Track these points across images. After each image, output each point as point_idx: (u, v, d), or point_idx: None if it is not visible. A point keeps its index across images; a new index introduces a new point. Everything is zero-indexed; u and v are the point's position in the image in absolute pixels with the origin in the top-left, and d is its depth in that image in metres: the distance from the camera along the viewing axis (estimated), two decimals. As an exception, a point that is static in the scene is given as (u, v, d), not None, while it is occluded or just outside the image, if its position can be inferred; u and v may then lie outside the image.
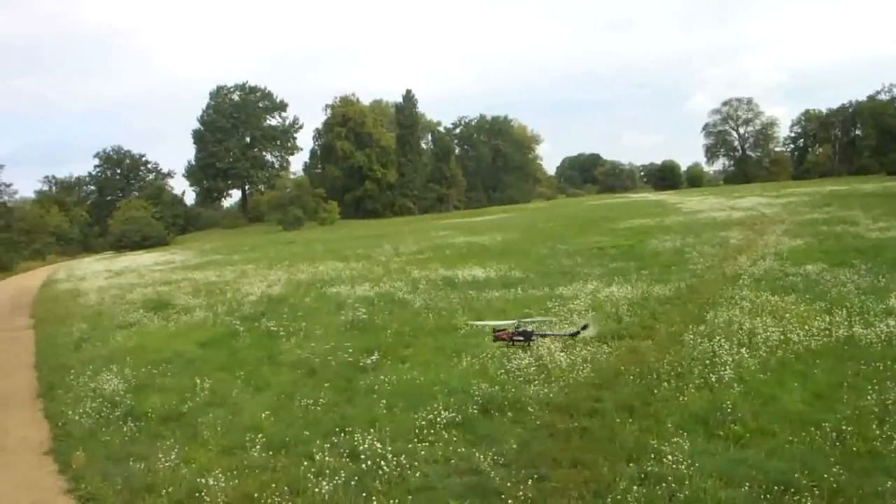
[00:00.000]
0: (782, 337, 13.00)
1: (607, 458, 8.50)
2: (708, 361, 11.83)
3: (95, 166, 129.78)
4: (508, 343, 10.17)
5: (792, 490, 7.39)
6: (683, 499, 7.38)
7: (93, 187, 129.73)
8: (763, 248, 25.41)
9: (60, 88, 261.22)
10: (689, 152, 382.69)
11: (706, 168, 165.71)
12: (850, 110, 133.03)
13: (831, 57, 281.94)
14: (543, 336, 9.92)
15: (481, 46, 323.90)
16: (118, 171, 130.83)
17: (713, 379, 11.01)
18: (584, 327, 10.19)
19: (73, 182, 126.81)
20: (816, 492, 7.34)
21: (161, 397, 13.39)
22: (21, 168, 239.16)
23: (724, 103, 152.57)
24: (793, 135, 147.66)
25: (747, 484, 7.60)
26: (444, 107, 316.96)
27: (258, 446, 10.19)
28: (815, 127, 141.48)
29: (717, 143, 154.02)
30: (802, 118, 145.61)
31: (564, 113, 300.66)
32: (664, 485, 7.69)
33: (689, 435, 8.95)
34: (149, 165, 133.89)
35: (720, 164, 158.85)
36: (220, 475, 9.13)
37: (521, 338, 10.02)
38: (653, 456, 8.44)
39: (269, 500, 8.35)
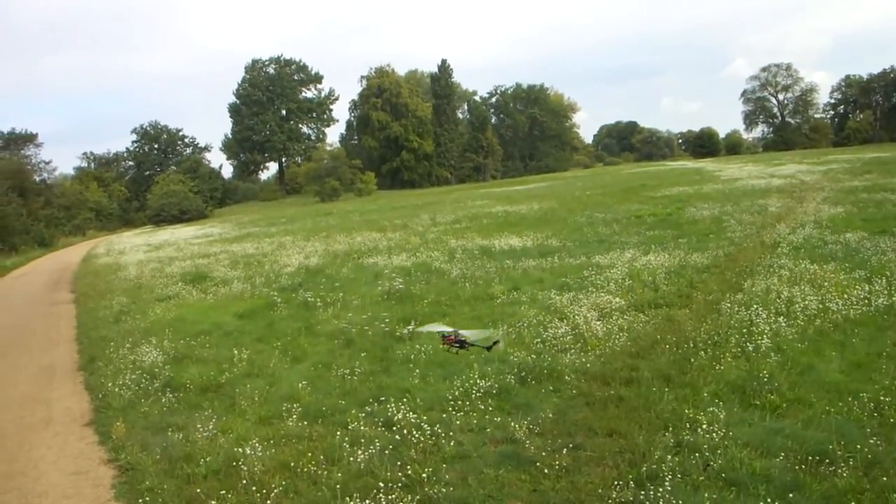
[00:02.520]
0: (821, 306, 12.83)
1: (643, 428, 8.47)
2: (745, 330, 11.71)
3: (133, 142, 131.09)
4: (450, 347, 10.28)
5: (828, 461, 7.32)
6: (718, 468, 7.34)
7: (131, 162, 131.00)
8: (802, 215, 25.12)
9: (97, 65, 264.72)
10: (728, 119, 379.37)
11: (745, 135, 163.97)
12: (893, 76, 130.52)
13: (876, 19, 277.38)
14: (472, 345, 10.05)
15: (516, 14, 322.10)
16: (156, 146, 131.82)
17: (750, 348, 10.90)
18: (496, 342, 10.25)
19: (111, 158, 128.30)
20: (852, 463, 7.26)
21: (199, 368, 13.49)
22: (60, 145, 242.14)
23: (763, 69, 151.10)
24: (833, 101, 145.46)
25: (783, 454, 7.54)
26: (479, 76, 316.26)
27: (295, 416, 10.29)
28: (855, 93, 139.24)
29: (756, 109, 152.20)
30: (843, 84, 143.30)
31: (601, 80, 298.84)
32: (699, 454, 7.67)
33: (725, 404, 8.90)
34: (186, 140, 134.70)
35: (759, 131, 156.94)
36: (257, 444, 9.19)
37: (458, 345, 10.08)
38: (688, 425, 8.40)
39: (306, 469, 8.42)
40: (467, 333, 10.26)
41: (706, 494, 6.90)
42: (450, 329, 10.43)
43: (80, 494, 9.06)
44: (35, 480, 9.69)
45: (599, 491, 7.24)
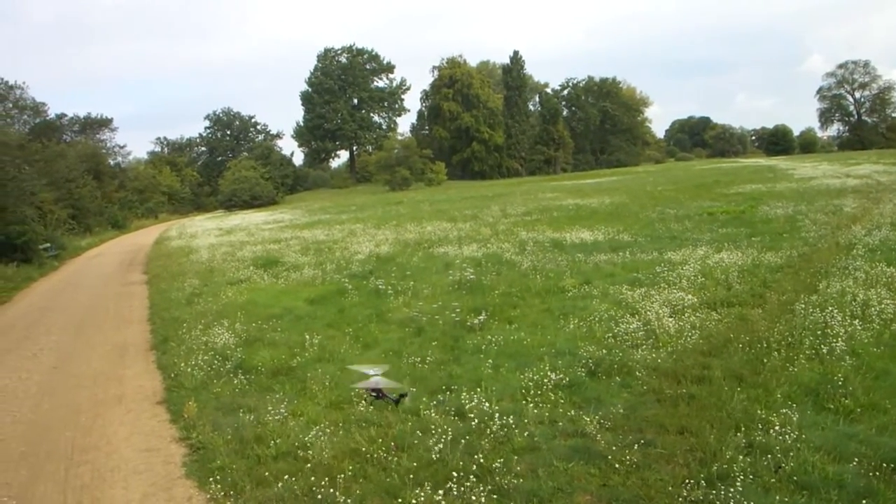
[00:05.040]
0: (897, 310, 12.52)
1: (714, 427, 8.35)
2: (819, 332, 11.45)
3: (206, 127, 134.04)
4: (367, 395, 10.16)
5: (903, 469, 7.17)
6: (790, 471, 7.23)
7: (203, 148, 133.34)
8: (878, 217, 24.52)
9: (171, 53, 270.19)
10: (803, 117, 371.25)
11: (820, 133, 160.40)
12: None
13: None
14: (387, 397, 9.91)
15: (588, 4, 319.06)
16: (228, 133, 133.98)
17: (824, 350, 10.66)
18: (404, 395, 10.07)
19: (184, 143, 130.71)
20: (928, 471, 7.11)
21: (271, 352, 13.65)
22: (134, 130, 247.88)
23: (840, 66, 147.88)
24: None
25: (856, 459, 7.37)
26: (550, 67, 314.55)
27: (365, 401, 10.36)
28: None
29: (832, 107, 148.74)
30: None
31: (674, 74, 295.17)
32: (770, 456, 7.55)
33: (798, 406, 8.72)
34: (258, 126, 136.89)
35: (834, 129, 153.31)
36: (327, 429, 9.33)
37: (375, 394, 10.01)
38: (760, 426, 8.26)
39: (376, 455, 8.47)
40: (383, 384, 10.26)
41: (777, 497, 6.80)
42: (375, 370, 10.39)
43: (151, 471, 9.26)
44: (107, 455, 9.94)
45: (670, 488, 7.17)
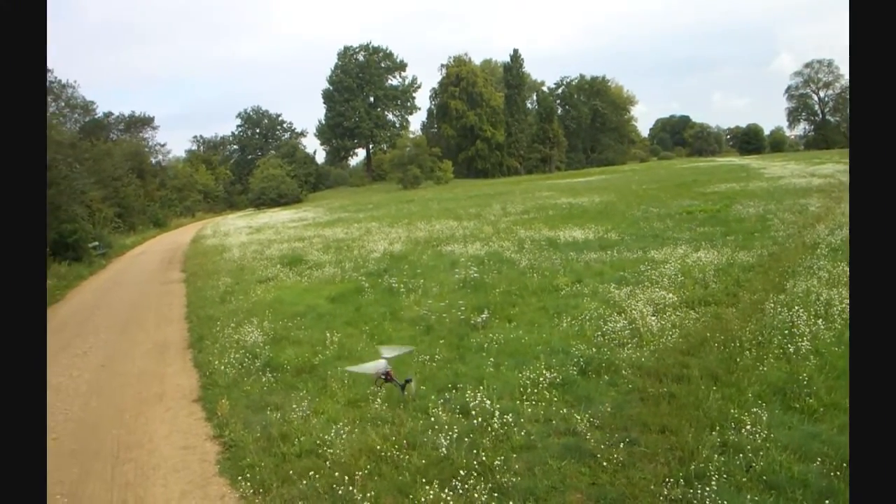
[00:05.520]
0: (857, 309, 12.39)
1: (692, 426, 8.31)
2: (787, 331, 11.40)
3: (238, 126, 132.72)
4: (377, 379, 10.15)
5: (862, 468, 7.11)
6: (760, 470, 7.20)
7: (235, 146, 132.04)
8: (840, 216, 24.31)
9: (207, 53, 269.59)
10: (774, 116, 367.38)
11: (788, 133, 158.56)
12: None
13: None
14: (394, 381, 9.93)
15: (587, 4, 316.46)
16: (257, 131, 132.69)
17: (791, 350, 10.59)
18: (408, 381, 10.05)
19: (218, 142, 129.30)
20: (886, 470, 7.05)
21: (296, 350, 13.57)
22: (168, 129, 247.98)
23: (807, 65, 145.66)
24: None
25: (819, 459, 7.35)
26: (543, 65, 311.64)
27: (380, 400, 10.34)
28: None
29: (799, 106, 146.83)
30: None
31: (657, 73, 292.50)
32: (742, 455, 7.51)
33: (768, 406, 8.65)
34: (284, 125, 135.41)
35: (801, 128, 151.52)
36: (346, 427, 9.30)
37: (384, 377, 10.02)
38: (733, 425, 8.23)
39: (389, 453, 8.43)
40: (389, 354, 10.27)
41: (748, 496, 6.77)
42: (383, 363, 10.35)
43: (188, 468, 9.25)
44: (150, 453, 9.93)
45: (652, 487, 7.15)
